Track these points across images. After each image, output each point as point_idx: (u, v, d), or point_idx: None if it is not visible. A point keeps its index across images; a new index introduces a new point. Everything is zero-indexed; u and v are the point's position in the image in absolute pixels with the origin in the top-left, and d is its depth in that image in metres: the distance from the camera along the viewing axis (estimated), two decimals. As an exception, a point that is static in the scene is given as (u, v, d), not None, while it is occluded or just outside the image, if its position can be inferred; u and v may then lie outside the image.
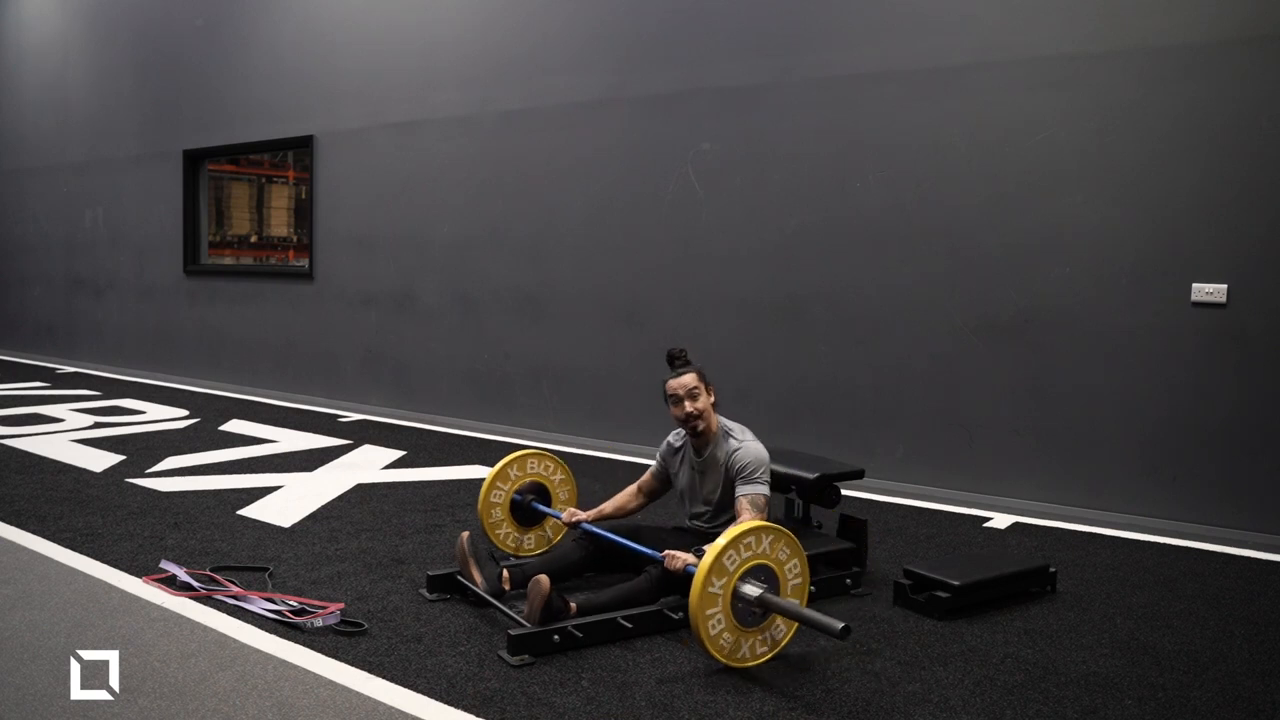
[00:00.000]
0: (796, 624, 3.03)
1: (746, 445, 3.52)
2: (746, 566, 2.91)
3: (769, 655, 3.00)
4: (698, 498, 3.65)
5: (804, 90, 5.73)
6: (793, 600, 2.99)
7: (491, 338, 7.24)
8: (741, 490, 3.45)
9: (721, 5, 6.05)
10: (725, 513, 3.58)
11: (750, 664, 2.96)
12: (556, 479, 4.09)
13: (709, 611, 2.86)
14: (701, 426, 3.52)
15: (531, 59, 6.94)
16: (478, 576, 3.41)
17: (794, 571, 3.02)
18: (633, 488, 3.86)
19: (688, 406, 3.50)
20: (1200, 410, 4.67)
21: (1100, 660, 3.09)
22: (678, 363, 3.58)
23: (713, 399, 3.58)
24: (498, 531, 3.98)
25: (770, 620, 2.98)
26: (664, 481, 3.82)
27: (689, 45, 6.17)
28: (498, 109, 7.11)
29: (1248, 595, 3.76)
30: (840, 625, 2.74)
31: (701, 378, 3.56)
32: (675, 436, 3.77)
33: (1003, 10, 5.11)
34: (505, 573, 3.47)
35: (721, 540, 2.88)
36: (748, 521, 3.02)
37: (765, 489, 3.46)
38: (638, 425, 6.26)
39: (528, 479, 4.02)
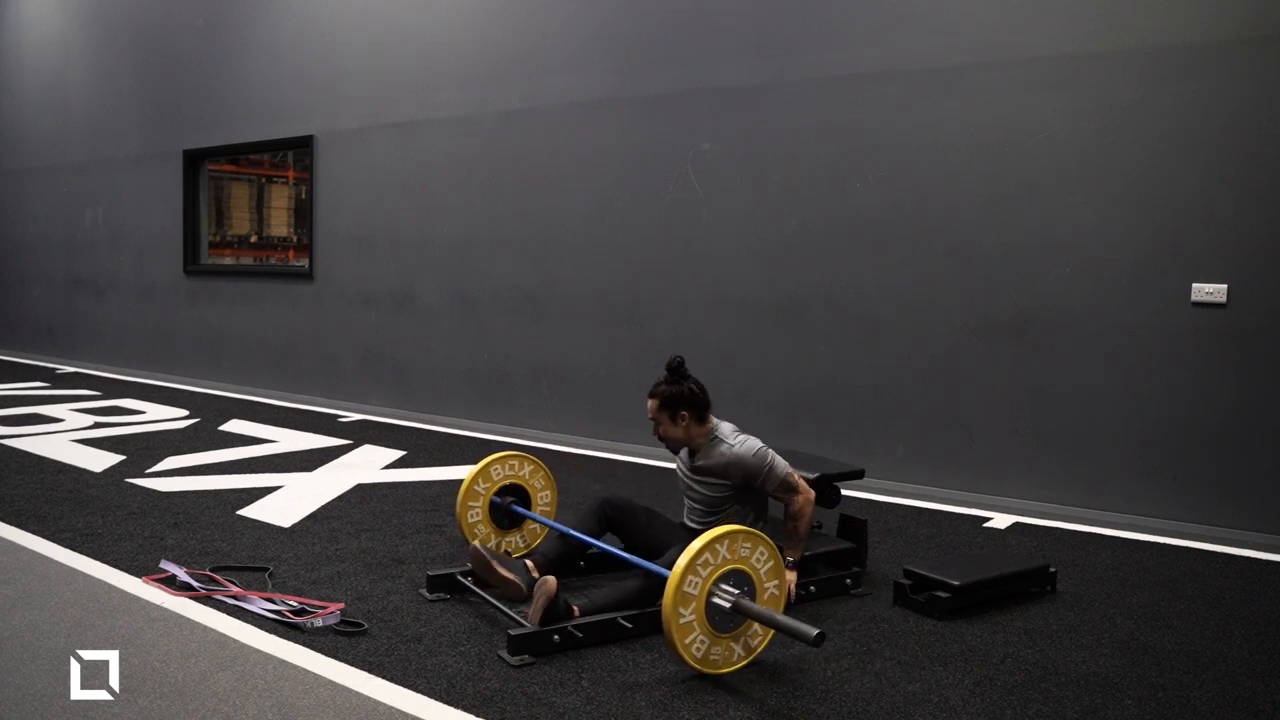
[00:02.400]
0: (772, 631, 2.97)
1: (738, 449, 3.49)
2: (722, 571, 2.85)
3: (743, 662, 2.94)
4: (692, 495, 3.67)
5: (804, 90, 5.73)
6: (768, 607, 2.91)
7: (492, 338, 7.24)
8: (771, 485, 3.48)
9: (721, 5, 6.05)
10: (714, 513, 3.58)
11: (723, 670, 2.90)
12: (536, 482, 4.04)
13: (682, 612, 2.80)
14: (675, 448, 3.62)
15: (531, 59, 6.94)
16: (508, 575, 3.36)
17: (772, 580, 2.95)
18: None
19: (655, 429, 3.59)
20: (1200, 410, 4.67)
21: (1100, 660, 3.09)
22: (668, 377, 3.56)
23: (684, 423, 3.52)
24: (475, 534, 3.94)
25: (746, 626, 2.92)
26: None
27: (689, 45, 6.17)
28: (498, 109, 7.12)
29: (1248, 595, 3.77)
30: (815, 632, 2.67)
31: (667, 404, 3.52)
32: None
33: (1002, 10, 5.11)
34: (529, 562, 3.47)
35: (697, 544, 2.83)
36: (728, 526, 2.97)
37: (782, 467, 3.48)
38: (638, 425, 6.23)
39: (507, 480, 3.97)
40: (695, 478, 3.61)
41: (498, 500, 3.94)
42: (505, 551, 3.95)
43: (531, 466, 4.04)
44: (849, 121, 5.58)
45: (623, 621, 3.13)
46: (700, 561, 2.82)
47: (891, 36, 5.43)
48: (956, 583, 3.44)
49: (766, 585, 2.94)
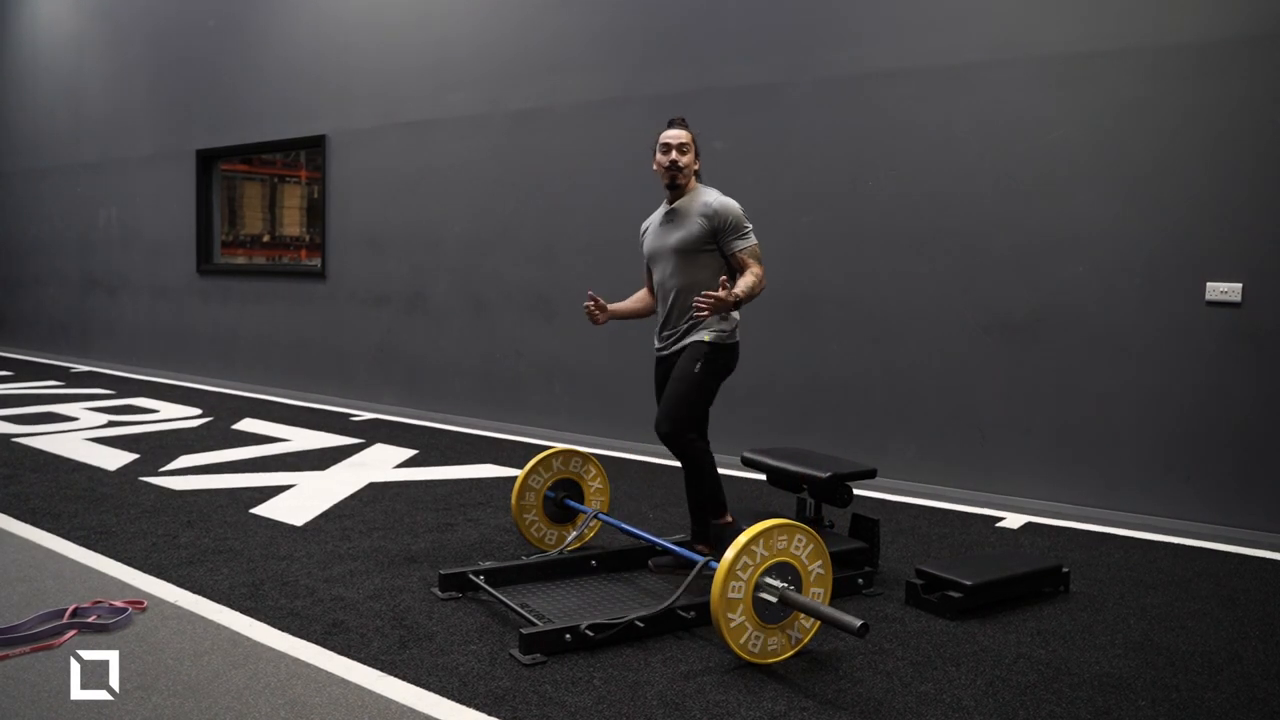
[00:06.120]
0: (816, 625, 3.07)
1: (724, 199, 3.67)
2: (770, 564, 2.94)
3: (787, 654, 3.01)
4: (665, 250, 3.75)
5: (816, 88, 5.72)
6: (814, 589, 3.03)
7: (503, 336, 7.25)
8: (738, 246, 3.63)
9: (733, 4, 6.04)
10: (693, 264, 3.67)
11: (768, 661, 2.97)
12: (589, 476, 4.20)
13: (730, 600, 2.89)
14: (681, 180, 3.71)
15: (543, 58, 6.94)
16: None
17: (817, 572, 3.04)
18: (643, 290, 4.11)
19: (674, 155, 3.69)
20: (1215, 409, 4.65)
21: (1114, 661, 3.08)
22: (676, 124, 3.76)
23: (697, 166, 3.75)
24: (530, 526, 4.08)
25: (791, 619, 3.00)
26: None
27: (701, 44, 6.17)
28: (509, 108, 7.12)
29: (1263, 596, 3.74)
30: (859, 623, 2.75)
31: (694, 141, 3.74)
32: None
33: (1015, 8, 5.09)
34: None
35: (743, 538, 2.91)
36: (769, 521, 3.01)
37: (755, 241, 3.67)
38: (649, 424, 6.24)
39: (562, 475, 4.13)
40: (670, 225, 3.73)
41: (551, 494, 4.09)
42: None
43: (582, 460, 4.18)
44: (861, 120, 5.56)
45: (636, 622, 3.13)
46: (744, 559, 2.90)
47: (903, 35, 5.42)
48: (969, 583, 3.43)
49: (811, 578, 3.02)
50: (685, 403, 3.62)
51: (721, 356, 3.70)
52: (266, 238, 10.25)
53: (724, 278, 3.41)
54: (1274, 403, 4.52)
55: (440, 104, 7.56)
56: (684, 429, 3.62)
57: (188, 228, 9.80)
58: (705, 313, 3.36)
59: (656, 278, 3.83)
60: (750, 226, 3.66)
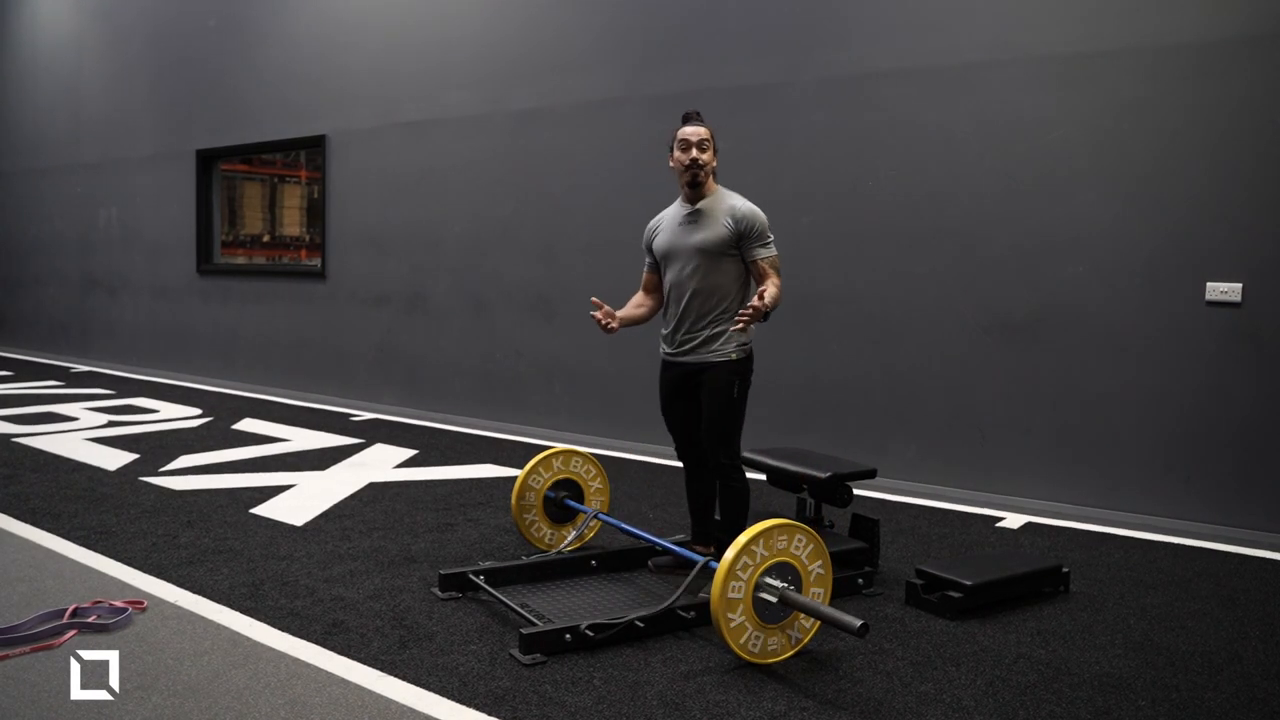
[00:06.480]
0: (816, 625, 3.07)
1: (751, 206, 3.59)
2: (769, 563, 2.94)
3: (787, 654, 3.02)
4: (684, 249, 3.62)
5: (816, 89, 5.72)
6: (814, 589, 3.03)
7: (503, 337, 7.25)
8: (760, 254, 3.55)
9: (733, 4, 6.04)
10: (715, 267, 3.57)
11: (768, 661, 2.97)
12: (589, 476, 4.20)
13: (730, 600, 2.89)
14: (702, 176, 3.59)
15: (544, 58, 6.94)
16: None
17: (817, 572, 3.05)
18: (639, 294, 3.94)
19: (694, 153, 3.56)
20: (1215, 409, 4.65)
21: (1114, 661, 3.08)
22: (694, 119, 3.66)
23: (715, 163, 3.65)
24: (530, 526, 4.08)
25: (791, 618, 3.00)
26: (658, 270, 3.85)
27: (701, 44, 6.17)
28: (510, 108, 7.12)
29: (1263, 596, 3.74)
30: (859, 623, 2.75)
31: (713, 137, 3.64)
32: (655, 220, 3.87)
33: (1015, 8, 5.09)
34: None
35: (743, 538, 2.91)
36: (767, 522, 3.01)
37: (776, 252, 3.60)
38: (650, 424, 6.24)
39: (562, 476, 4.13)
40: (692, 225, 3.61)
41: (551, 494, 4.09)
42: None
43: (582, 460, 4.18)
44: (861, 120, 5.56)
45: (636, 622, 3.13)
46: (744, 559, 2.89)
47: (903, 35, 5.42)
48: (969, 583, 3.43)
49: (811, 578, 3.02)
50: (732, 430, 3.63)
51: (748, 367, 3.65)
52: (266, 238, 10.25)
53: (762, 289, 3.33)
54: (1274, 403, 4.52)
55: (440, 104, 7.56)
56: (736, 454, 3.65)
57: (188, 228, 9.80)
58: (741, 326, 3.33)
59: (671, 278, 3.69)
60: (773, 237, 3.58)
